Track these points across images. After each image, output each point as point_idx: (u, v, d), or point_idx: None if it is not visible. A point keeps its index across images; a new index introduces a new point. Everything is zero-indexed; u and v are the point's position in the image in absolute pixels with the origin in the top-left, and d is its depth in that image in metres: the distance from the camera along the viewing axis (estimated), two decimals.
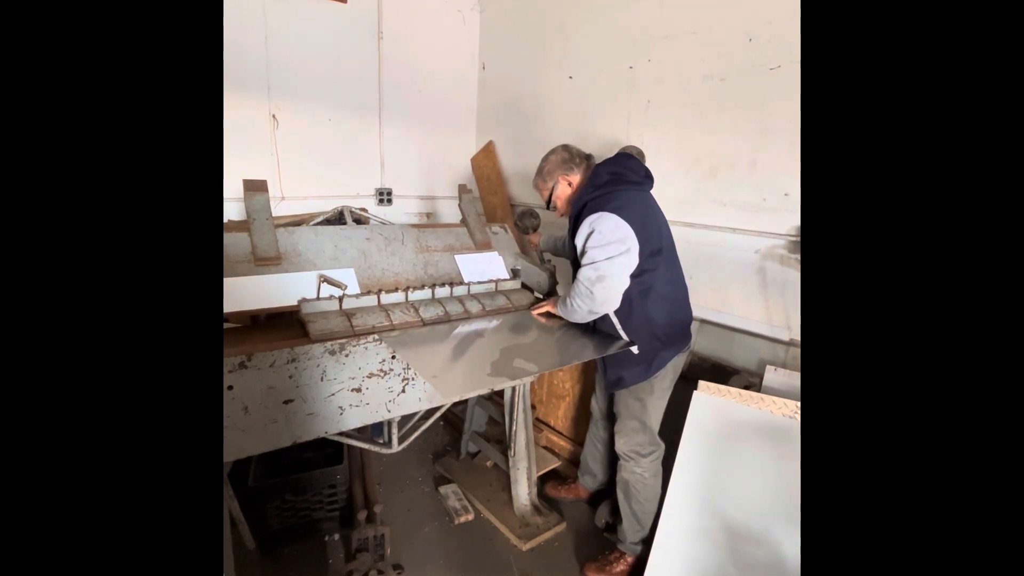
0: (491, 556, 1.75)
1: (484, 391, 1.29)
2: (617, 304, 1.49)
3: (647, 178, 1.57)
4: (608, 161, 1.57)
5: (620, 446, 1.67)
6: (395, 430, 1.35)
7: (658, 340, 1.53)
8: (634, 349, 1.53)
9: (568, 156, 1.62)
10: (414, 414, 1.38)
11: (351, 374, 1.18)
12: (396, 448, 1.36)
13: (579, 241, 1.47)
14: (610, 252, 1.41)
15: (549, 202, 1.68)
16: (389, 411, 1.16)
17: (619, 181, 1.50)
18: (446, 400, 1.23)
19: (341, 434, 1.16)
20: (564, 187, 1.62)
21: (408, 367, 1.25)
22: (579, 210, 1.51)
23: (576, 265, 1.54)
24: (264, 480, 1.67)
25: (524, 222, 2.00)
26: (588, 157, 1.64)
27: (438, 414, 1.40)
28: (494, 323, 1.64)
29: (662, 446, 1.65)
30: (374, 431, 1.44)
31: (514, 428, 1.84)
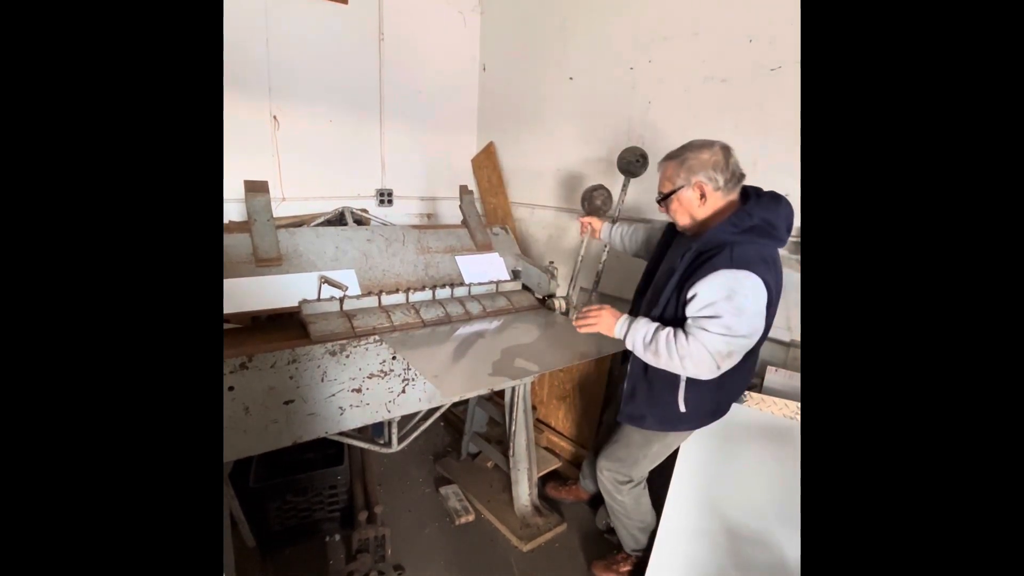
0: (492, 557, 1.75)
1: (484, 391, 1.29)
2: None
3: (788, 231, 1.26)
4: (762, 202, 1.23)
5: (600, 466, 1.58)
6: (395, 430, 1.35)
7: (709, 407, 1.38)
8: (682, 407, 1.33)
9: (723, 164, 1.23)
10: (414, 414, 1.39)
11: (351, 375, 1.18)
12: (396, 448, 1.37)
13: (710, 292, 1.15)
14: (750, 327, 1.15)
15: (666, 196, 1.31)
16: (389, 411, 1.16)
17: (766, 233, 1.20)
18: (445, 400, 1.24)
19: (341, 434, 1.17)
20: (694, 195, 1.25)
21: (409, 367, 1.25)
22: (714, 246, 1.19)
23: (672, 299, 1.26)
24: (265, 481, 1.67)
25: (595, 203, 1.76)
26: (740, 180, 1.27)
27: (438, 414, 1.41)
28: (495, 324, 1.64)
29: (642, 478, 1.58)
30: (375, 431, 1.44)
31: (514, 429, 1.84)
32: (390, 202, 2.86)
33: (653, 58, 2.08)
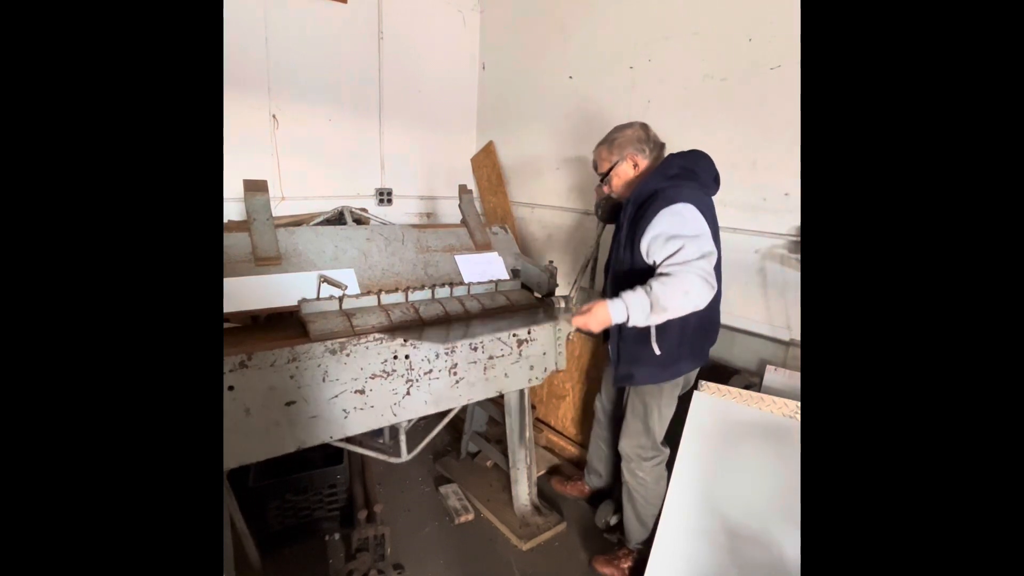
0: (491, 556, 1.75)
1: (493, 393, 1.28)
2: None
3: (715, 182, 1.47)
4: (682, 154, 1.45)
5: (623, 446, 1.65)
6: (403, 437, 1.32)
7: (685, 347, 1.47)
8: (657, 350, 1.45)
9: (644, 136, 1.48)
10: (423, 419, 1.36)
11: (353, 375, 1.17)
12: (405, 457, 1.33)
13: (660, 228, 1.30)
14: (709, 245, 1.29)
15: (605, 176, 1.54)
16: (395, 414, 1.14)
17: (688, 178, 1.38)
18: (454, 403, 1.21)
19: (347, 440, 1.14)
20: (628, 167, 1.49)
21: (411, 368, 1.24)
22: (647, 197, 1.36)
23: (626, 253, 1.41)
24: (264, 480, 1.67)
25: (607, 211, 1.82)
26: (662, 146, 1.51)
27: (447, 419, 1.38)
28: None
29: (666, 452, 1.63)
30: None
31: (514, 428, 1.84)
32: (389, 201, 2.86)
33: (653, 57, 2.08)
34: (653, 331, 1.42)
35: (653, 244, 1.31)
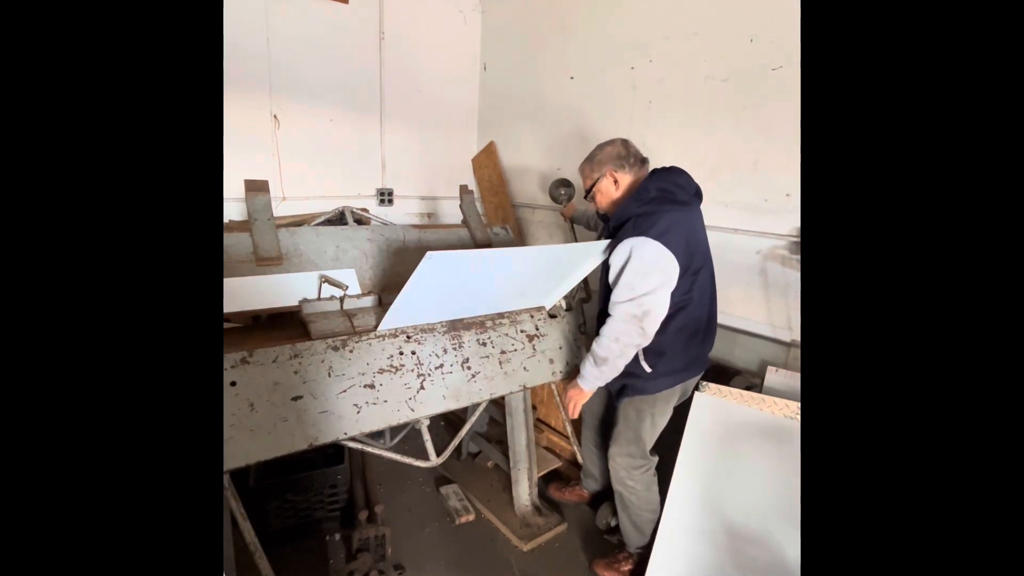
0: (492, 556, 1.75)
1: (505, 391, 1.27)
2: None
3: (696, 196, 1.48)
4: (658, 175, 1.47)
5: (612, 454, 1.63)
6: (427, 436, 1.29)
7: (677, 359, 1.48)
8: (647, 368, 1.46)
9: (624, 152, 1.50)
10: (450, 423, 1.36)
11: (360, 369, 1.16)
12: (436, 461, 1.31)
13: (616, 261, 1.38)
14: (652, 284, 1.33)
15: (589, 191, 1.57)
16: (412, 409, 1.12)
17: (665, 200, 1.40)
18: (476, 398, 1.18)
19: (362, 442, 1.11)
20: (609, 183, 1.51)
21: (420, 362, 1.22)
22: (622, 222, 1.42)
23: (607, 287, 1.45)
24: (265, 480, 1.67)
25: (557, 191, 2.09)
26: (644, 161, 1.53)
27: (476, 415, 1.34)
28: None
29: (654, 460, 1.62)
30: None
31: (514, 428, 1.84)
32: (390, 202, 2.86)
33: (654, 57, 2.08)
34: (640, 351, 1.44)
35: (609, 271, 1.41)
